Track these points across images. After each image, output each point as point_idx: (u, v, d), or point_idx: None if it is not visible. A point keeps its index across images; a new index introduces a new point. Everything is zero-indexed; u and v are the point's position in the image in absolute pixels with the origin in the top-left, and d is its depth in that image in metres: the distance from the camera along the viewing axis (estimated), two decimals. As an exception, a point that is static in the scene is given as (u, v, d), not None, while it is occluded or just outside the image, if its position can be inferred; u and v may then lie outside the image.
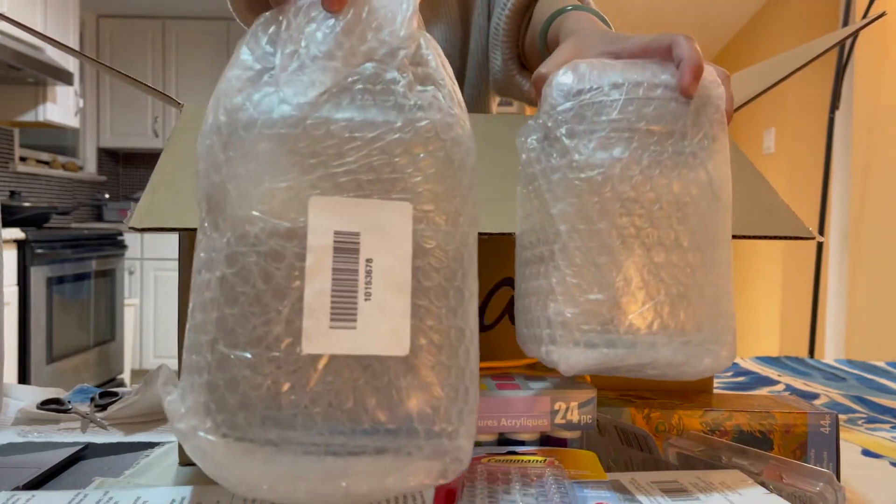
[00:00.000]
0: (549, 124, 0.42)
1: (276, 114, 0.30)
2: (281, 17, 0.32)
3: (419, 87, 0.31)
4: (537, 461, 0.39)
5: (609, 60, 0.44)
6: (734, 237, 0.49)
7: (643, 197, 0.39)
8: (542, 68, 0.47)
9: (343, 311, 0.29)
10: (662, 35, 0.44)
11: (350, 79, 0.30)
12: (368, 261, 0.29)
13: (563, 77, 0.42)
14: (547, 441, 0.45)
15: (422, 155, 0.31)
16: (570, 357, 0.39)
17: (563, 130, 0.41)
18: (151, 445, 0.59)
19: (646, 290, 0.39)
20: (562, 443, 0.45)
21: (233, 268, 0.29)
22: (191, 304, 0.31)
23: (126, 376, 3.45)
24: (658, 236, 0.39)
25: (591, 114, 0.40)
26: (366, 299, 0.29)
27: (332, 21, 0.31)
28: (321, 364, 0.29)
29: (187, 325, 0.31)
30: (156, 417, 0.67)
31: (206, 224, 0.31)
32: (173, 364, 0.60)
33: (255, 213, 0.29)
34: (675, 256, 0.39)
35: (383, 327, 0.29)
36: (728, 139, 0.42)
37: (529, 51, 0.76)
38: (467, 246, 0.32)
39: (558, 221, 0.40)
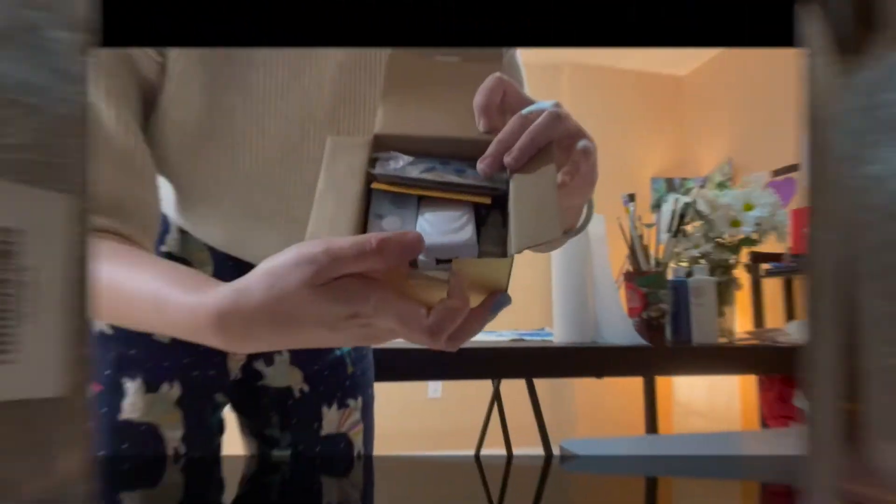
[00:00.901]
0: None
1: None
2: None
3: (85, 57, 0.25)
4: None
5: None
6: None
7: None
8: None
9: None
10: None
11: (9, 26, 0.24)
12: (32, 270, 0.22)
13: None
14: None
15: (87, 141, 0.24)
16: (885, 455, 0.27)
17: None
18: None
19: None
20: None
21: None
22: None
23: None
24: None
25: None
26: (26, 323, 0.22)
27: None
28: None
29: None
30: None
31: None
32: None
33: None
34: None
35: (47, 360, 0.22)
36: None
37: None
38: None
39: None
